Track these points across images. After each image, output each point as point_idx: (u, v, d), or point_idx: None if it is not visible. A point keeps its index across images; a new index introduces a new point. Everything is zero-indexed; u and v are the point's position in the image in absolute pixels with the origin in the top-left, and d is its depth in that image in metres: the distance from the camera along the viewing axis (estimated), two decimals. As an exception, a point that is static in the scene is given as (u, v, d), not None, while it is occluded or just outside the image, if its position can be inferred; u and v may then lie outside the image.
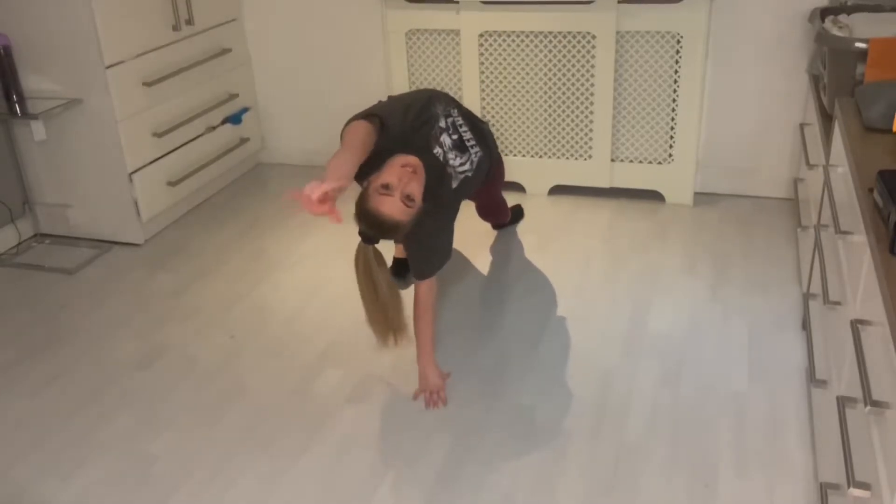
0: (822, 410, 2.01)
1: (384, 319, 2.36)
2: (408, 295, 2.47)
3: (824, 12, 2.79)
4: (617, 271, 2.99)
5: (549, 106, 3.51)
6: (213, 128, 3.69)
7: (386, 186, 2.18)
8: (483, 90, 3.57)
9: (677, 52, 3.28)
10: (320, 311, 2.84)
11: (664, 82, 3.35)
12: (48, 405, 2.44)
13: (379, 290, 2.31)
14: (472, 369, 2.49)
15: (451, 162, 2.43)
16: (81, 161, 3.27)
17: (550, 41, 3.40)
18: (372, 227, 2.22)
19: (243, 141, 3.91)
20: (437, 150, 2.40)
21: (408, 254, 2.43)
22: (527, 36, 3.42)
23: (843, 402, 1.62)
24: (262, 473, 2.13)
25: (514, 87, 3.53)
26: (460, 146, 2.48)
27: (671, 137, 3.43)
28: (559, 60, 3.42)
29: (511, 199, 3.59)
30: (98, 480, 2.13)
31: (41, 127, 3.17)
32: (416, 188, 2.22)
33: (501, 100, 3.56)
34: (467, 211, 3.53)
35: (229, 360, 2.61)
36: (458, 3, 3.42)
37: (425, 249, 2.40)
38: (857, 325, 1.59)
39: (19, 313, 2.93)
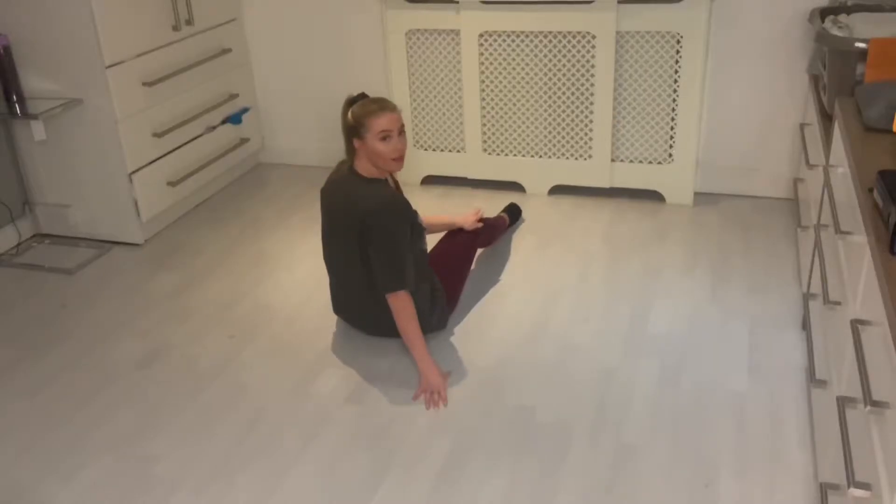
0: (822, 410, 2.01)
1: None
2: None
3: (824, 12, 2.79)
4: (617, 271, 2.99)
5: (549, 106, 3.51)
6: (213, 128, 3.69)
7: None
8: (483, 90, 3.57)
9: (677, 52, 3.28)
10: (320, 311, 2.84)
11: (664, 82, 3.35)
12: (48, 405, 2.44)
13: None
14: (472, 369, 2.49)
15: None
16: (81, 161, 3.27)
17: (550, 41, 3.40)
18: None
19: (243, 141, 3.91)
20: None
21: (373, 262, 2.44)
22: (527, 36, 3.42)
23: (843, 402, 1.62)
24: (261, 473, 2.13)
25: (514, 87, 3.53)
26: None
27: (671, 137, 3.43)
28: (559, 60, 3.42)
29: (511, 199, 3.59)
30: (98, 480, 2.13)
31: (41, 127, 3.17)
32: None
33: (501, 100, 3.56)
34: (465, 212, 3.52)
35: (229, 360, 2.61)
36: (458, 3, 3.42)
37: (386, 255, 2.41)
38: (857, 325, 1.59)
39: (19, 313, 2.93)
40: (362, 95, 2.50)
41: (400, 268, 2.41)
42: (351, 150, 2.51)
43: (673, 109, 3.38)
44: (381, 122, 2.41)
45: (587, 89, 3.43)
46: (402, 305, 2.41)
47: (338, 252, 2.56)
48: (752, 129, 3.43)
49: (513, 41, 3.45)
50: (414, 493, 2.04)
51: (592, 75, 3.40)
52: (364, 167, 2.49)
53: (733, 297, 2.79)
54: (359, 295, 2.56)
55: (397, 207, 2.44)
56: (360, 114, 2.43)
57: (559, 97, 3.48)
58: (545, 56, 3.43)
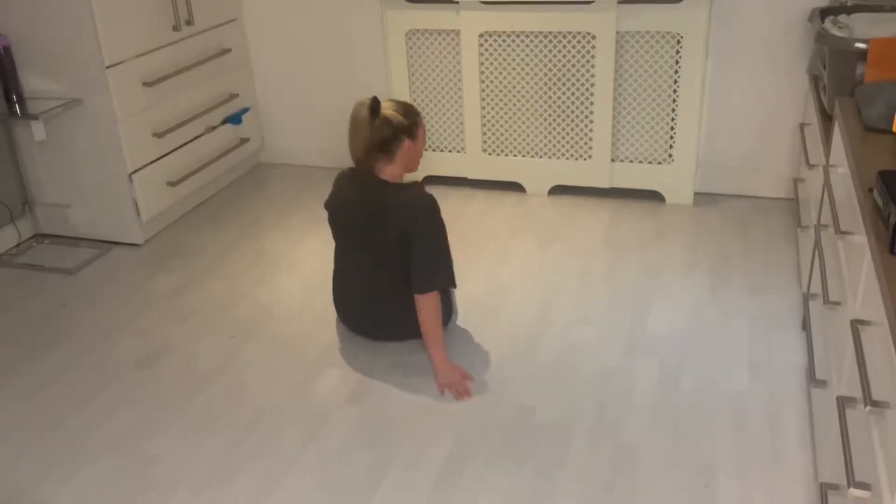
0: (822, 410, 2.01)
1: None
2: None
3: (824, 12, 2.79)
4: (617, 271, 2.99)
5: (549, 106, 3.51)
6: (213, 128, 3.69)
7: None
8: (483, 90, 3.57)
9: (677, 52, 3.28)
10: (320, 311, 2.84)
11: (664, 82, 3.35)
12: (48, 405, 2.44)
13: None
14: (472, 369, 2.49)
15: None
16: (81, 161, 3.27)
17: (550, 41, 3.40)
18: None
19: (243, 141, 3.91)
20: None
21: (411, 262, 2.44)
22: (527, 36, 3.42)
23: (843, 402, 1.62)
24: (261, 473, 2.13)
25: (514, 87, 3.53)
26: None
27: (671, 137, 3.43)
28: (559, 60, 3.42)
29: (511, 199, 3.60)
30: (98, 480, 2.13)
31: (41, 127, 3.17)
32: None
33: (501, 100, 3.56)
34: (464, 211, 3.53)
35: (229, 360, 2.61)
36: (458, 3, 3.42)
37: (431, 255, 2.43)
38: (857, 325, 1.59)
39: (19, 313, 2.93)
40: (375, 99, 2.44)
41: (440, 268, 2.45)
42: (382, 154, 2.45)
43: (673, 109, 3.38)
44: (423, 124, 2.54)
45: (587, 89, 3.43)
46: (433, 306, 2.43)
47: (365, 257, 2.52)
48: (752, 129, 3.43)
49: (513, 41, 3.45)
50: (414, 493, 2.04)
51: (592, 75, 3.40)
52: (392, 171, 2.48)
53: (733, 297, 2.79)
54: (382, 299, 2.54)
55: (438, 208, 2.46)
56: (413, 114, 2.48)
57: (559, 97, 3.48)
58: (545, 56, 3.43)
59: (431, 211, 2.44)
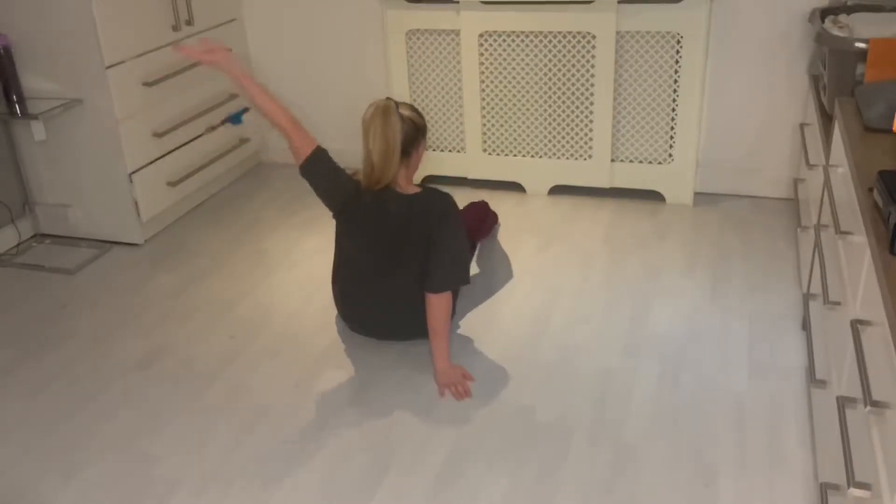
0: (822, 410, 2.01)
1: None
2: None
3: (824, 12, 2.80)
4: (617, 271, 2.99)
5: (549, 106, 3.51)
6: (213, 128, 3.69)
7: None
8: (483, 90, 3.57)
9: (677, 52, 3.28)
10: (320, 311, 2.84)
11: (664, 82, 3.35)
12: (48, 405, 2.44)
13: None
14: (472, 369, 2.49)
15: None
16: (81, 161, 3.27)
17: (550, 41, 3.40)
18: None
19: (243, 141, 3.91)
20: None
21: (430, 262, 2.43)
22: (527, 36, 3.43)
23: (843, 402, 1.62)
24: (261, 474, 2.13)
25: (514, 87, 3.53)
26: None
27: (671, 137, 3.43)
28: (559, 60, 3.42)
29: (511, 199, 3.60)
30: (98, 480, 2.14)
31: (41, 127, 3.17)
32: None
33: (501, 100, 3.56)
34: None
35: (229, 360, 2.61)
36: (458, 3, 3.42)
37: (453, 254, 2.43)
38: (857, 325, 1.59)
39: (19, 313, 2.93)
40: (389, 99, 2.43)
41: (459, 268, 2.45)
42: (403, 158, 2.44)
43: (673, 109, 3.38)
44: None
45: (587, 89, 3.43)
46: (447, 305, 2.44)
47: (384, 261, 2.50)
48: (752, 129, 3.43)
49: (513, 41, 3.45)
50: (414, 493, 2.04)
51: (592, 75, 3.40)
52: (407, 174, 2.48)
53: (733, 297, 2.79)
54: (398, 301, 2.52)
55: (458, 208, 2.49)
56: (419, 111, 2.49)
57: (559, 97, 3.48)
58: (545, 56, 3.43)
59: (455, 212, 2.46)
